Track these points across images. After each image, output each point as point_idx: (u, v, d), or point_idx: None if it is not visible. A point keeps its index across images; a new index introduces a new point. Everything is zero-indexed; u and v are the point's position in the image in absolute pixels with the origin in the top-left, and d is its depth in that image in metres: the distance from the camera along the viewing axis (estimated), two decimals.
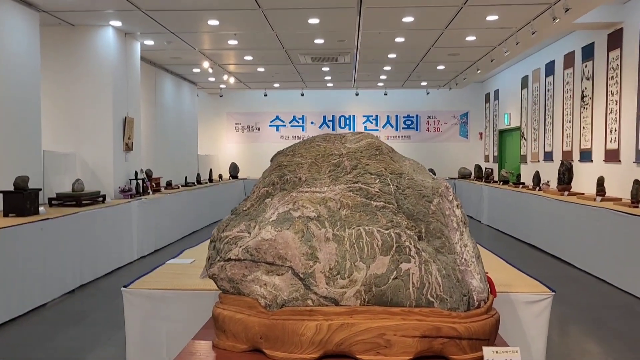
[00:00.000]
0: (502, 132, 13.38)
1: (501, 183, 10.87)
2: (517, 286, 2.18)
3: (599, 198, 6.49)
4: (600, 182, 6.80)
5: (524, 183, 10.15)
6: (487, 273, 1.90)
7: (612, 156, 7.32)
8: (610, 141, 7.38)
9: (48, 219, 4.64)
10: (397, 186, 1.69)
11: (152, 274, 2.30)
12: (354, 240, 1.65)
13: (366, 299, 1.64)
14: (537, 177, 9.08)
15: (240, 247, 1.71)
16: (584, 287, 5.28)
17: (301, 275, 1.66)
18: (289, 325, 1.63)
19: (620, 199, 6.55)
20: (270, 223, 1.68)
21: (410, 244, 1.64)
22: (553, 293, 2.10)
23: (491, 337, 1.69)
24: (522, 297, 2.09)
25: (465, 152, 14.97)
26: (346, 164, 1.71)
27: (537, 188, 8.81)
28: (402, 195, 1.69)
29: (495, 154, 13.68)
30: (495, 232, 10.11)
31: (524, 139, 11.40)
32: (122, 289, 2.15)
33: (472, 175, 13.37)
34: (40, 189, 4.89)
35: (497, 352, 1.59)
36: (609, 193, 7.11)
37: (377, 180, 1.69)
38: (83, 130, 6.63)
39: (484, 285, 1.73)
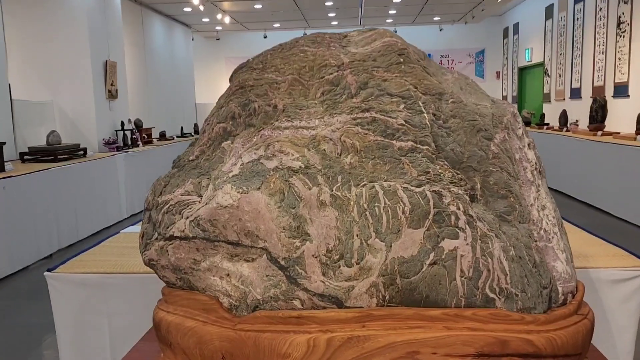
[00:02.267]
0: (522, 70, 12.43)
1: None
2: (597, 258, 1.55)
3: (639, 137, 5.77)
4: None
5: (548, 124, 9.36)
6: None
7: (619, 91, 6.54)
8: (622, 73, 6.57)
9: (12, 176, 4.05)
10: (434, 115, 1.03)
11: (90, 252, 1.71)
12: (365, 205, 1.02)
13: (387, 297, 1.03)
14: (564, 117, 8.29)
15: (187, 218, 1.09)
16: (629, 239, 4.67)
17: (282, 262, 1.04)
18: (265, 340, 1.03)
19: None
20: (231, 180, 1.04)
21: (458, 208, 1.00)
22: None
23: (584, 349, 1.07)
24: (606, 274, 1.47)
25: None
26: (350, 80, 1.05)
27: (565, 129, 8.05)
28: (444, 130, 1.04)
29: (515, 93, 12.79)
30: None
31: (548, 75, 10.51)
32: (46, 273, 1.56)
33: None
34: (4, 142, 4.28)
35: None
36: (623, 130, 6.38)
37: (402, 106, 1.03)
38: (59, 77, 5.94)
39: (572, 268, 1.10)
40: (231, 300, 1.09)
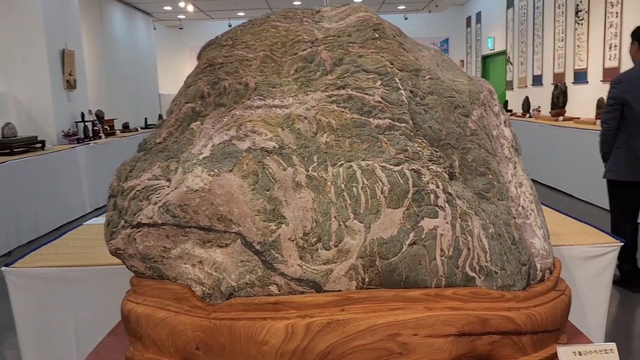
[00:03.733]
0: (485, 58, 12.61)
1: None
2: (570, 235, 1.56)
3: (599, 121, 5.94)
4: (600, 104, 6.22)
5: (511, 110, 9.54)
6: None
7: (611, 75, 6.71)
8: (610, 58, 6.75)
9: None
10: (412, 92, 1.01)
11: (52, 245, 1.62)
12: (342, 186, 0.99)
13: (367, 280, 1.00)
14: (526, 103, 8.46)
15: (156, 204, 1.03)
16: (590, 219, 4.79)
17: (257, 247, 1.00)
18: (241, 328, 0.99)
19: None
20: (201, 162, 0.99)
21: (438, 187, 0.98)
22: (621, 244, 1.51)
23: (562, 325, 1.08)
24: (577, 251, 1.49)
25: None
26: (324, 56, 1.01)
27: (528, 115, 8.23)
28: (422, 107, 1.01)
29: None
30: None
31: (510, 63, 10.69)
32: (4, 269, 1.47)
33: None
34: None
35: (580, 354, 0.98)
36: None
37: (379, 83, 0.99)
38: (13, 67, 5.66)
39: (549, 245, 1.10)
40: (204, 289, 1.05)
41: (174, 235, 1.04)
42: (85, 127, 6.28)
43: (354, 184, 0.99)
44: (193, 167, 1.00)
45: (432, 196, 0.98)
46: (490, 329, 1.00)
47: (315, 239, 1.00)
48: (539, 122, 7.28)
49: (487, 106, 1.04)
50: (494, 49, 11.80)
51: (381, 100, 0.99)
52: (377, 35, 1.01)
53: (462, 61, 14.24)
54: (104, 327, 1.34)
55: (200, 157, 1.00)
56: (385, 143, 0.99)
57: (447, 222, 0.99)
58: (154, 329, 1.05)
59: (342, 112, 0.99)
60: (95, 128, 6.46)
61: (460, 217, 0.99)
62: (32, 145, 5.20)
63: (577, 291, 1.52)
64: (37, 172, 4.83)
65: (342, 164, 1.00)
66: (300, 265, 1.00)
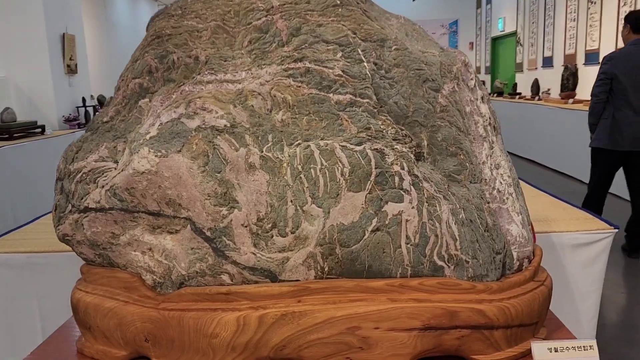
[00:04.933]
0: (495, 40, 12.34)
1: (495, 95, 10.06)
2: (559, 221, 1.47)
3: None
4: None
5: (520, 93, 9.33)
6: None
7: None
8: None
9: None
10: (376, 64, 0.92)
11: (19, 231, 1.56)
12: (299, 167, 0.91)
13: (326, 269, 0.93)
14: (535, 86, 8.26)
15: (103, 187, 0.96)
16: (623, 212, 4.63)
17: (208, 233, 0.92)
18: (190, 320, 0.92)
19: None
20: (148, 143, 0.92)
21: (403, 168, 0.90)
22: (615, 230, 1.41)
23: (541, 318, 1.00)
24: (568, 237, 1.40)
25: None
26: (280, 26, 0.92)
27: (537, 97, 8.03)
28: (387, 81, 0.93)
29: (488, 64, 12.73)
30: None
31: (520, 45, 10.45)
32: None
33: None
34: None
35: (556, 351, 0.90)
36: None
37: (339, 55, 0.91)
38: (13, 51, 5.61)
39: (528, 232, 1.01)
40: (155, 277, 0.98)
41: (122, 220, 0.98)
42: (87, 112, 6.24)
43: (311, 166, 0.91)
44: (139, 147, 0.92)
45: (396, 179, 0.90)
46: (459, 322, 0.92)
47: (270, 225, 0.92)
48: (547, 105, 7.10)
49: (460, 80, 0.95)
50: (504, 30, 11.54)
51: (342, 73, 0.90)
52: (338, 2, 0.92)
53: (471, 43, 13.96)
54: (70, 315, 1.28)
55: (147, 136, 0.93)
56: (346, 121, 0.91)
57: (413, 207, 0.91)
58: (103, 320, 0.99)
59: (299, 87, 0.91)
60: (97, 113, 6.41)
61: (427, 202, 0.91)
62: (31, 130, 5.17)
63: (567, 281, 1.43)
64: (37, 157, 4.80)
65: (299, 144, 0.92)
66: (254, 253, 0.93)
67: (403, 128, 0.91)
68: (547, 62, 8.99)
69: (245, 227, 0.92)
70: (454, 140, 0.92)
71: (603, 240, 1.40)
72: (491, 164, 0.95)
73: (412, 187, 0.90)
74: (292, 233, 0.93)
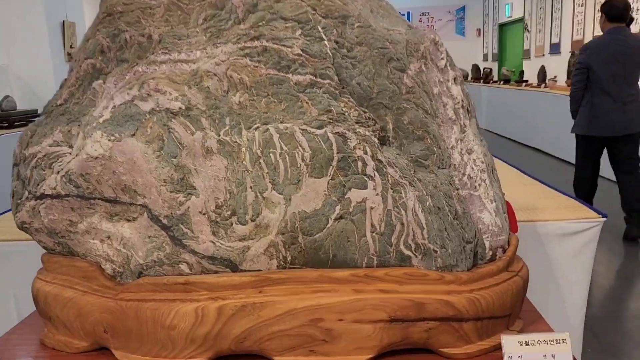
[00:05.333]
0: (502, 26, 12.15)
1: (501, 82, 9.91)
2: (546, 210, 1.42)
3: None
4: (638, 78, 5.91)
5: (527, 81, 9.19)
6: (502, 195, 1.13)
7: None
8: (634, 23, 6.40)
9: None
10: (337, 42, 0.87)
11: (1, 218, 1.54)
12: (258, 152, 0.87)
13: (289, 259, 0.89)
14: (542, 73, 8.12)
15: (58, 173, 0.93)
16: (606, 195, 4.57)
17: (164, 221, 0.89)
18: (147, 311, 0.89)
19: None
20: (101, 126, 0.88)
21: (366, 153, 0.86)
22: (603, 219, 1.36)
23: (514, 310, 0.95)
24: (556, 227, 1.35)
25: (462, 51, 13.74)
26: (236, 2, 0.88)
27: (543, 85, 7.90)
28: (349, 61, 0.88)
29: (495, 51, 12.56)
30: (494, 136, 9.35)
31: (528, 31, 10.28)
32: None
33: (470, 76, 12.34)
34: None
35: (527, 344, 0.86)
36: None
37: (298, 33, 0.86)
38: (12, 39, 5.60)
39: (502, 220, 0.97)
40: (114, 266, 0.95)
41: (79, 207, 0.94)
42: None
43: (271, 150, 0.87)
44: (92, 131, 0.89)
45: (359, 164, 0.86)
46: (427, 314, 0.88)
47: (229, 213, 0.89)
48: (553, 92, 6.98)
49: (428, 59, 0.90)
50: (511, 17, 11.36)
51: (301, 52, 0.86)
52: None
53: (478, 30, 13.77)
54: None
55: (100, 120, 0.89)
56: (306, 103, 0.86)
57: (377, 194, 0.86)
58: (62, 310, 0.96)
59: (257, 67, 0.86)
60: None
61: (392, 188, 0.86)
62: (31, 118, 5.16)
63: (554, 271, 1.38)
64: None
65: (257, 127, 0.87)
66: (212, 242, 0.89)
67: (366, 110, 0.87)
68: (555, 49, 8.83)
69: (204, 214, 0.89)
70: (421, 124, 0.88)
71: (591, 229, 1.35)
72: (462, 149, 0.90)
73: (376, 172, 0.86)
74: (252, 221, 0.89)
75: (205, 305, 0.88)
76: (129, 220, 0.93)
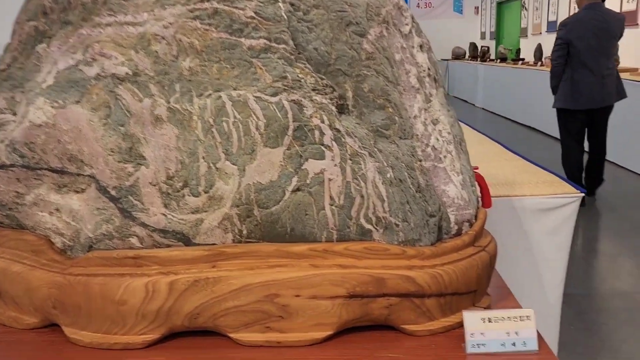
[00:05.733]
0: (500, 4, 12.00)
1: (498, 61, 9.82)
2: (525, 185, 1.38)
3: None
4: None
5: (523, 59, 9.10)
6: (475, 169, 1.09)
7: (629, 19, 6.28)
8: (628, 1, 6.30)
9: None
10: (292, 4, 0.82)
11: None
12: (211, 120, 0.83)
13: (245, 232, 0.86)
14: (538, 51, 8.02)
15: (2, 142, 0.88)
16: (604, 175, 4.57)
17: (113, 192, 0.85)
18: (96, 286, 0.86)
19: (637, 69, 5.65)
20: (44, 92, 0.83)
21: (323, 122, 0.81)
22: (582, 194, 1.32)
23: (480, 286, 0.92)
24: (534, 202, 1.31)
25: (460, 29, 13.57)
26: None
27: (539, 63, 7.81)
28: (305, 24, 0.83)
29: (493, 29, 12.42)
30: (490, 115, 9.28)
31: (525, 8, 10.15)
32: None
33: (467, 54, 12.21)
34: None
35: (490, 321, 0.83)
36: (625, 63, 6.17)
37: None
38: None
39: (469, 193, 0.93)
40: (64, 240, 0.91)
41: (25, 178, 0.90)
42: None
43: (224, 119, 0.82)
44: (35, 98, 0.84)
45: (316, 133, 0.82)
46: (387, 290, 0.85)
47: (181, 184, 0.84)
48: (549, 70, 6.91)
49: (390, 24, 0.85)
50: None
51: (254, 15, 0.81)
52: None
53: (476, 8, 13.59)
54: None
55: (44, 85, 0.84)
56: (260, 68, 0.81)
57: (335, 165, 0.82)
58: (11, 285, 0.93)
59: (207, 30, 0.81)
60: None
61: (351, 159, 0.82)
62: None
63: (531, 248, 1.35)
64: None
65: (209, 95, 0.83)
66: (164, 214, 0.85)
67: (324, 77, 0.82)
68: (552, 27, 8.72)
69: (154, 185, 0.84)
70: (382, 92, 0.83)
71: (570, 204, 1.32)
72: (425, 119, 0.86)
73: (334, 142, 0.82)
74: (205, 193, 0.85)
75: (156, 280, 0.85)
76: (77, 192, 0.89)
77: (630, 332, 2.30)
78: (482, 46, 11.38)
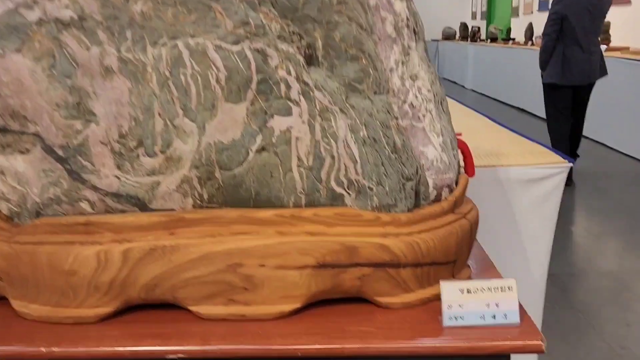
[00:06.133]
0: None
1: (489, 41, 9.73)
2: (510, 155, 1.32)
3: (603, 47, 5.52)
4: (606, 29, 5.77)
5: (514, 39, 9.02)
6: (459, 135, 1.03)
7: None
8: None
9: None
10: None
11: None
12: (166, 72, 0.75)
13: (206, 197, 0.79)
14: (529, 30, 7.94)
15: None
16: (585, 154, 4.54)
17: (60, 152, 0.77)
18: (43, 255, 0.79)
19: (628, 48, 5.61)
20: None
21: (289, 73, 0.74)
22: (570, 164, 1.27)
23: (460, 256, 0.86)
24: (519, 172, 1.25)
25: (450, 9, 13.41)
26: None
27: (530, 43, 7.74)
28: None
29: (484, 9, 12.30)
30: (480, 96, 9.23)
31: None
32: None
33: (457, 35, 12.09)
34: None
35: (469, 292, 0.77)
36: (616, 42, 6.12)
37: None
38: None
39: (450, 157, 0.86)
40: (10, 206, 0.83)
41: None
42: None
43: (181, 70, 0.75)
44: None
45: (282, 86, 0.74)
46: (359, 259, 0.78)
47: (135, 143, 0.77)
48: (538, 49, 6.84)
49: None
50: None
51: None
52: None
53: None
54: None
55: None
56: (220, 13, 0.73)
57: (303, 122, 0.75)
58: None
59: None
60: None
61: (320, 115, 0.75)
62: None
63: (515, 220, 1.30)
64: None
65: (164, 43, 0.75)
66: (117, 177, 0.78)
67: (290, 24, 0.74)
68: (544, 6, 8.63)
69: (105, 145, 0.77)
70: (355, 41, 0.76)
71: (557, 175, 1.26)
72: (403, 73, 0.79)
73: (301, 97, 0.74)
74: (162, 153, 0.77)
75: (108, 249, 0.77)
76: (22, 153, 0.81)
77: (615, 312, 2.28)
78: (472, 26, 11.27)
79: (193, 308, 0.80)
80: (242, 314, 0.80)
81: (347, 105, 0.76)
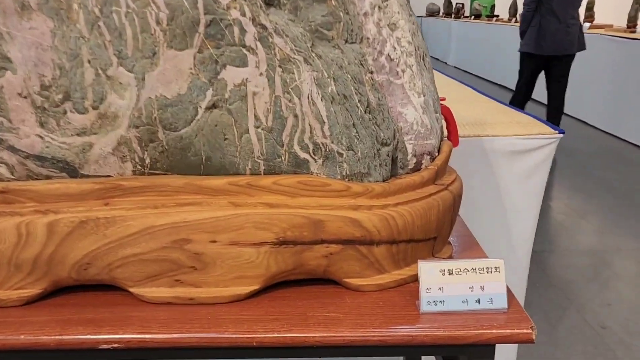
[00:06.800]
0: None
1: (473, 18, 9.60)
2: (496, 125, 1.22)
3: (587, 24, 5.45)
4: (590, 7, 5.70)
5: (497, 15, 8.90)
6: (442, 100, 0.92)
7: None
8: None
9: None
10: None
11: None
12: (96, 11, 0.62)
13: (148, 161, 0.67)
14: (513, 7, 7.82)
15: None
16: (567, 132, 4.51)
17: None
18: None
19: (611, 25, 5.55)
20: None
21: (244, 15, 0.62)
22: (560, 135, 1.17)
23: (441, 232, 0.76)
24: (507, 143, 1.16)
25: None
26: None
27: (514, 20, 7.63)
28: None
29: None
30: (462, 73, 9.14)
31: None
32: None
33: (441, 11, 11.92)
34: None
35: (451, 273, 0.68)
36: (600, 20, 6.06)
37: None
38: None
39: (432, 120, 0.76)
40: None
41: None
42: None
43: (114, 8, 0.62)
44: None
45: (235, 30, 0.62)
46: (326, 235, 0.68)
47: (60, 96, 0.64)
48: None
49: None
50: None
51: None
52: None
53: None
54: None
55: None
56: None
57: (261, 74, 0.64)
58: None
59: None
60: None
61: (281, 66, 0.63)
62: None
63: (500, 195, 1.21)
64: None
65: None
66: (40, 136, 0.66)
67: None
68: None
69: (25, 97, 0.64)
70: None
71: (545, 147, 1.17)
72: (380, 19, 0.67)
73: (258, 43, 0.63)
74: (94, 108, 0.65)
75: (30, 221, 0.66)
76: None
77: (597, 290, 2.23)
78: (456, 3, 11.10)
79: (134, 290, 0.69)
80: (191, 296, 0.69)
81: (313, 54, 0.64)
